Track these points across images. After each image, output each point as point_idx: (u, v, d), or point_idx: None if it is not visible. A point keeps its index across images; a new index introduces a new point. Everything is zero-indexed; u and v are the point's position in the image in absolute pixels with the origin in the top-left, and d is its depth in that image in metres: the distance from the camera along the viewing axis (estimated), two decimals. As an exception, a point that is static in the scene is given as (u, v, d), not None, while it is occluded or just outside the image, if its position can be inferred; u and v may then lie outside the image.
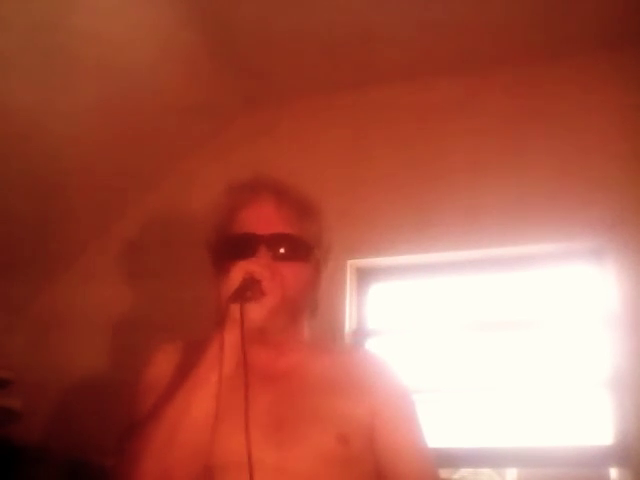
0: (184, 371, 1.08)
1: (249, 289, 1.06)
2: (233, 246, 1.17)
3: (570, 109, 2.11)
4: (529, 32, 2.06)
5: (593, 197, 1.99)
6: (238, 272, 1.07)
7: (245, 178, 1.26)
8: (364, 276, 2.23)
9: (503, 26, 2.04)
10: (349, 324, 2.12)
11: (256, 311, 1.06)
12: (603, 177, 2.00)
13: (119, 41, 1.90)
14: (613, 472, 1.86)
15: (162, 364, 1.20)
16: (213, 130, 2.42)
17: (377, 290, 2.24)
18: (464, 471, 2.11)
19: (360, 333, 2.15)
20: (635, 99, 2.03)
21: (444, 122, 2.23)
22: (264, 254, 1.14)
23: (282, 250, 1.16)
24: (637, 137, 2.01)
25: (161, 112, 2.19)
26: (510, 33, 2.07)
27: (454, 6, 1.97)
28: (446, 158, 2.18)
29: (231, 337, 1.04)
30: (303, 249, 1.20)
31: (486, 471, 2.12)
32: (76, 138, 2.04)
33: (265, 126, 2.39)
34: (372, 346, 2.13)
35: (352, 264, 2.18)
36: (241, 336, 1.03)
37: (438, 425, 1.95)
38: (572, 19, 2.00)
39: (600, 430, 1.89)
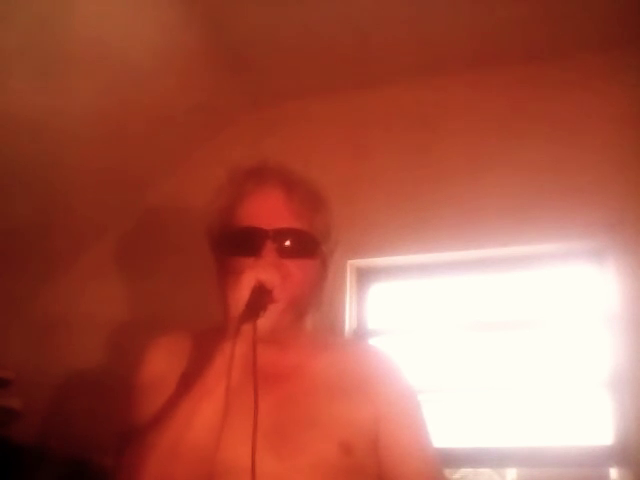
0: (198, 364, 1.03)
1: (260, 305, 1.00)
2: (237, 241, 1.10)
3: (570, 109, 2.11)
4: (529, 32, 2.06)
5: (593, 197, 1.99)
6: (248, 281, 1.00)
7: (250, 164, 1.18)
8: (364, 276, 2.23)
9: (503, 26, 2.03)
10: (349, 324, 2.12)
11: (265, 321, 1.01)
12: (603, 177, 2.00)
13: (120, 41, 1.90)
14: (613, 472, 1.86)
15: (160, 360, 1.14)
16: (213, 130, 2.42)
17: (377, 290, 2.23)
18: (464, 471, 2.12)
19: (360, 333, 2.14)
20: (635, 99, 2.03)
21: (444, 122, 2.22)
22: (270, 251, 1.07)
23: (290, 247, 1.09)
24: (637, 137, 2.01)
25: (162, 112, 2.19)
26: (510, 33, 2.06)
27: (453, 7, 1.97)
28: (446, 158, 2.18)
29: (241, 350, 0.99)
30: (311, 245, 1.13)
31: (486, 471, 2.13)
32: (76, 138, 2.04)
33: (266, 126, 2.39)
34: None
35: (352, 264, 2.18)
36: (253, 355, 0.97)
37: (438, 425, 1.94)
38: (572, 19, 2.00)
39: (600, 430, 1.89)
